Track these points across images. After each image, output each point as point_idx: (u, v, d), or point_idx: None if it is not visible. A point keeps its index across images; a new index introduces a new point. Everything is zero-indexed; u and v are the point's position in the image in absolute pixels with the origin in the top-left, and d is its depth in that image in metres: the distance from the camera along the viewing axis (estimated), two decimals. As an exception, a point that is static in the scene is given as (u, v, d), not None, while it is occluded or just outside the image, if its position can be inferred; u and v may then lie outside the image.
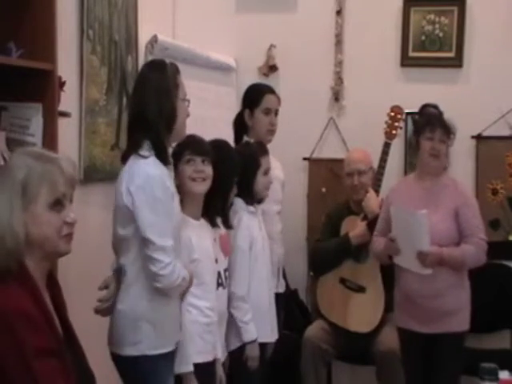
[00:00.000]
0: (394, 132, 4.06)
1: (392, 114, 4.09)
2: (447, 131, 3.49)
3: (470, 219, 3.44)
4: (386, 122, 4.08)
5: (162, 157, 2.59)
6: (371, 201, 3.92)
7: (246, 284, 3.21)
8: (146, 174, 2.53)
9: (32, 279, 1.88)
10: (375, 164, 4.04)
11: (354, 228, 3.96)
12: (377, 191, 3.97)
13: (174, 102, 2.63)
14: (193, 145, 2.90)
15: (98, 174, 3.35)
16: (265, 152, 3.39)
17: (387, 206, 3.59)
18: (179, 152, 2.88)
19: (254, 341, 3.21)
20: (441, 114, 3.59)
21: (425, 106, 3.67)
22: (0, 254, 1.85)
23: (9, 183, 1.89)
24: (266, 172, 3.35)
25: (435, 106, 3.64)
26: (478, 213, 3.50)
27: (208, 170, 2.90)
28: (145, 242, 2.52)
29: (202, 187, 2.90)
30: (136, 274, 2.57)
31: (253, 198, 3.33)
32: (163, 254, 2.50)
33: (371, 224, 3.84)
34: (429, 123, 3.53)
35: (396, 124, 4.08)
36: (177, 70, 2.71)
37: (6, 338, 1.75)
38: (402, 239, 3.41)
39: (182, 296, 2.72)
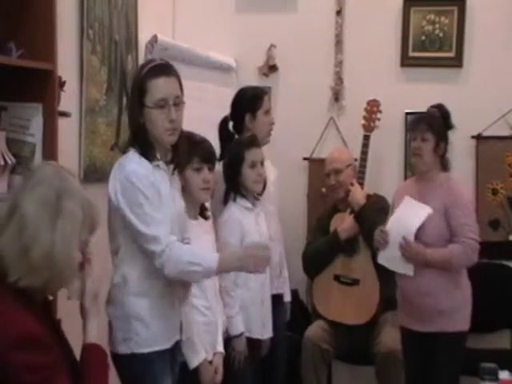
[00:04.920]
0: (372, 124, 4.18)
1: (368, 107, 4.20)
2: (431, 129, 3.44)
3: (459, 218, 3.40)
4: (364, 117, 4.18)
5: (146, 154, 2.56)
6: (356, 193, 3.97)
7: (232, 278, 3.18)
8: (129, 171, 2.51)
9: (35, 301, 1.91)
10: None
11: (342, 223, 4.00)
12: (361, 184, 4.03)
13: (133, 109, 2.58)
14: (202, 152, 2.88)
15: (98, 173, 3.35)
16: (252, 145, 3.33)
17: (392, 207, 3.64)
18: (187, 156, 2.82)
19: (240, 335, 3.20)
20: (437, 114, 3.53)
21: (430, 108, 3.59)
22: (49, 282, 1.88)
23: (75, 218, 1.89)
24: (254, 165, 3.29)
25: (438, 106, 3.56)
26: (469, 212, 3.46)
27: (212, 177, 2.91)
28: (137, 237, 2.51)
29: (208, 196, 2.93)
30: (125, 271, 2.56)
31: (241, 192, 3.31)
32: (155, 244, 2.48)
33: (358, 216, 3.87)
34: (412, 123, 3.56)
35: (373, 116, 4.18)
36: (151, 73, 2.55)
37: (17, 356, 1.77)
38: (393, 234, 3.45)
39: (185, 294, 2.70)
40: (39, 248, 1.84)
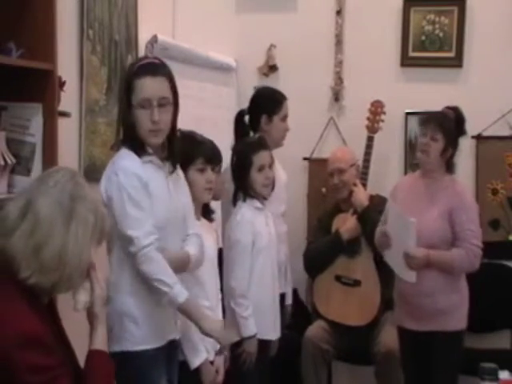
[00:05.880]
0: (376, 126, 4.19)
1: (372, 108, 4.21)
2: (442, 130, 3.41)
3: (463, 223, 3.38)
4: (368, 118, 4.19)
5: (136, 151, 2.54)
6: (359, 194, 3.97)
7: (246, 279, 3.18)
8: (117, 167, 2.51)
9: (41, 302, 1.92)
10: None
11: (344, 224, 4.00)
12: (364, 185, 4.04)
13: (121, 107, 2.57)
14: (205, 152, 2.87)
15: (98, 173, 3.32)
16: (260, 148, 3.29)
17: (392, 201, 3.59)
18: (191, 157, 2.82)
19: (252, 336, 3.20)
20: (452, 116, 3.48)
21: (445, 108, 3.55)
22: (58, 284, 1.90)
23: (87, 223, 1.92)
24: (262, 168, 3.26)
25: (454, 108, 3.52)
26: (474, 217, 3.44)
27: (215, 177, 2.90)
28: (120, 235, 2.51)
29: (211, 196, 2.93)
30: (119, 268, 2.55)
31: (250, 194, 3.29)
32: (131, 245, 2.47)
33: (361, 217, 3.88)
34: (424, 119, 3.53)
35: (378, 118, 4.19)
36: (138, 72, 2.50)
37: (20, 355, 1.78)
38: (393, 236, 3.42)
39: None
40: (51, 248, 1.86)
